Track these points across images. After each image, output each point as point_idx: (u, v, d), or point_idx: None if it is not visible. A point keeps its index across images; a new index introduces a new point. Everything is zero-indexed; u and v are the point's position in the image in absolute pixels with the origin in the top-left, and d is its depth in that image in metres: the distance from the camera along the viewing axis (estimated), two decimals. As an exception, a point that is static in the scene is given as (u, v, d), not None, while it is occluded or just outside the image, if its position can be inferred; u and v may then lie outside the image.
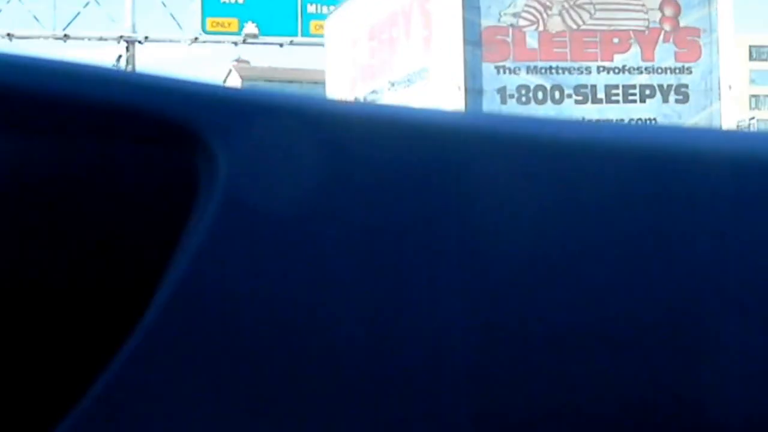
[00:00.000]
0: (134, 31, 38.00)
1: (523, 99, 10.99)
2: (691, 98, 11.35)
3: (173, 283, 0.71)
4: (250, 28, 33.16)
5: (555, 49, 11.07)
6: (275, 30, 30.33)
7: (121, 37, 37.83)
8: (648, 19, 11.28)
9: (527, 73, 11.01)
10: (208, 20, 36.22)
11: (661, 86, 11.30)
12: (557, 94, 11.05)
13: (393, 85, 12.88)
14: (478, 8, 10.88)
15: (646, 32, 11.29)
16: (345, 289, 0.73)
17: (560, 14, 11.09)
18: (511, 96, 10.96)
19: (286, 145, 0.76)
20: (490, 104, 10.90)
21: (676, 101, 11.33)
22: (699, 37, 11.39)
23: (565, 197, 0.77)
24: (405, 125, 0.80)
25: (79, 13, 36.95)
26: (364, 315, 0.72)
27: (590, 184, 0.78)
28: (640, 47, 11.26)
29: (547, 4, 11.05)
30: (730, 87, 11.34)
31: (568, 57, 11.10)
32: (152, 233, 0.78)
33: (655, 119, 11.28)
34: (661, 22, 11.31)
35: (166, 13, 37.92)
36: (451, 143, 0.79)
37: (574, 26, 11.11)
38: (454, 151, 0.78)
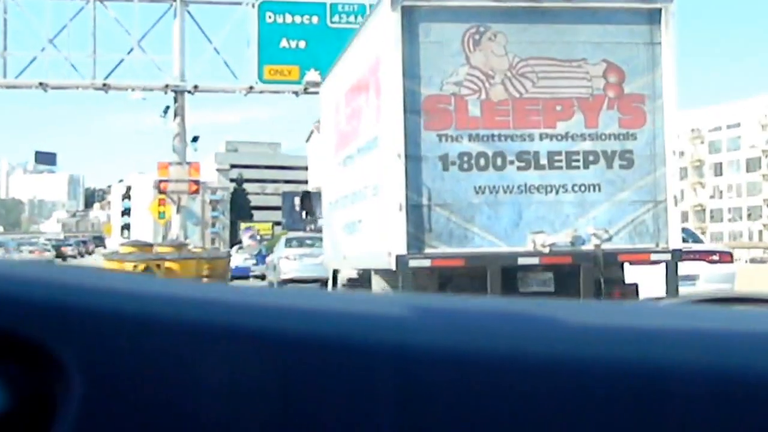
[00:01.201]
0: (183, 80, 35.59)
1: (465, 166, 11.23)
2: (635, 164, 11.50)
3: None
4: (313, 75, 31.78)
5: (497, 117, 11.32)
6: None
7: (167, 86, 35.57)
8: (591, 87, 11.49)
9: (469, 140, 11.26)
10: (266, 68, 34.52)
11: (605, 152, 11.48)
12: (499, 161, 11.28)
13: (359, 152, 13.27)
14: (419, 77, 11.18)
15: (590, 99, 11.49)
16: None
17: (502, 83, 11.35)
18: (453, 163, 11.21)
19: (140, 356, 0.74)
20: (432, 171, 11.16)
21: (621, 167, 11.49)
22: (644, 103, 11.56)
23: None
24: (258, 337, 0.80)
25: (122, 61, 35.10)
26: None
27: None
28: (584, 114, 11.46)
29: (489, 73, 11.32)
30: (674, 152, 11.49)
31: (511, 125, 11.32)
32: None
33: (599, 185, 11.46)
34: (605, 89, 11.51)
35: (218, 61, 35.84)
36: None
37: (517, 95, 11.36)
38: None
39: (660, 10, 11.58)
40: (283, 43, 34.73)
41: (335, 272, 16.59)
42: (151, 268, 22.94)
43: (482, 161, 11.25)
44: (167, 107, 37.19)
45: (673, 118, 11.52)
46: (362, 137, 12.95)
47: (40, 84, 34.22)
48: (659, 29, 11.58)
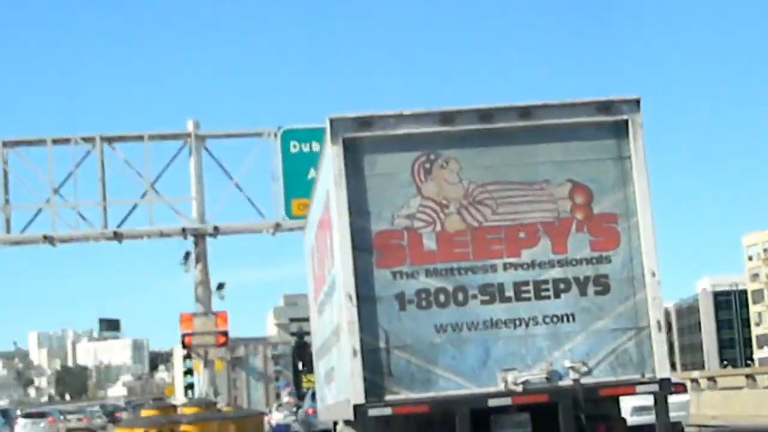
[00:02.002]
0: (203, 222, 33.32)
1: (424, 303, 10.38)
2: (612, 288, 10.59)
3: None
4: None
5: (455, 249, 10.50)
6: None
7: (184, 230, 33.43)
8: (557, 209, 10.67)
9: (426, 276, 10.44)
10: (294, 202, 32.18)
11: (577, 279, 10.58)
12: (461, 296, 10.42)
13: (325, 296, 12.53)
14: (368, 213, 10.46)
15: (556, 223, 10.66)
16: None
17: (458, 212, 10.57)
18: (410, 301, 10.37)
19: None
20: (388, 312, 10.33)
21: (596, 293, 10.58)
22: (616, 223, 10.71)
23: None
24: None
25: (135, 206, 33.05)
26: None
27: None
28: (551, 239, 10.61)
29: (443, 202, 10.56)
30: (653, 274, 10.54)
31: (471, 256, 10.50)
32: None
33: (573, 314, 10.53)
34: (572, 211, 10.69)
35: (241, 198, 33.49)
36: None
37: (475, 224, 10.56)
38: None
39: (626, 121, 10.81)
40: (312, 173, 32.65)
41: (335, 424, 15.66)
42: (163, 433, 22.02)
43: (442, 297, 10.41)
44: (187, 253, 35.10)
45: (650, 236, 10.63)
46: (327, 280, 12.22)
47: (45, 237, 32.76)
48: (627, 142, 10.80)
